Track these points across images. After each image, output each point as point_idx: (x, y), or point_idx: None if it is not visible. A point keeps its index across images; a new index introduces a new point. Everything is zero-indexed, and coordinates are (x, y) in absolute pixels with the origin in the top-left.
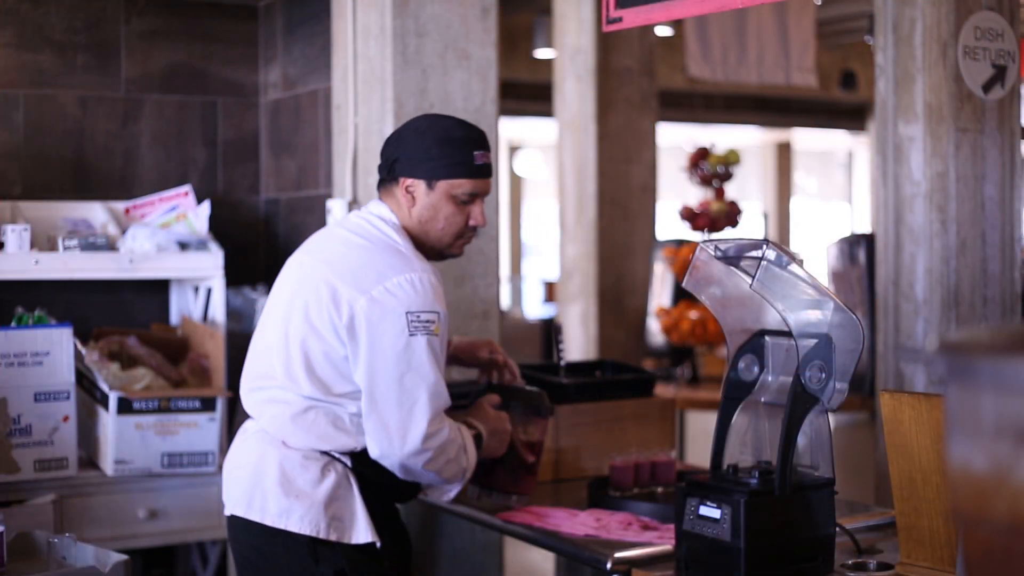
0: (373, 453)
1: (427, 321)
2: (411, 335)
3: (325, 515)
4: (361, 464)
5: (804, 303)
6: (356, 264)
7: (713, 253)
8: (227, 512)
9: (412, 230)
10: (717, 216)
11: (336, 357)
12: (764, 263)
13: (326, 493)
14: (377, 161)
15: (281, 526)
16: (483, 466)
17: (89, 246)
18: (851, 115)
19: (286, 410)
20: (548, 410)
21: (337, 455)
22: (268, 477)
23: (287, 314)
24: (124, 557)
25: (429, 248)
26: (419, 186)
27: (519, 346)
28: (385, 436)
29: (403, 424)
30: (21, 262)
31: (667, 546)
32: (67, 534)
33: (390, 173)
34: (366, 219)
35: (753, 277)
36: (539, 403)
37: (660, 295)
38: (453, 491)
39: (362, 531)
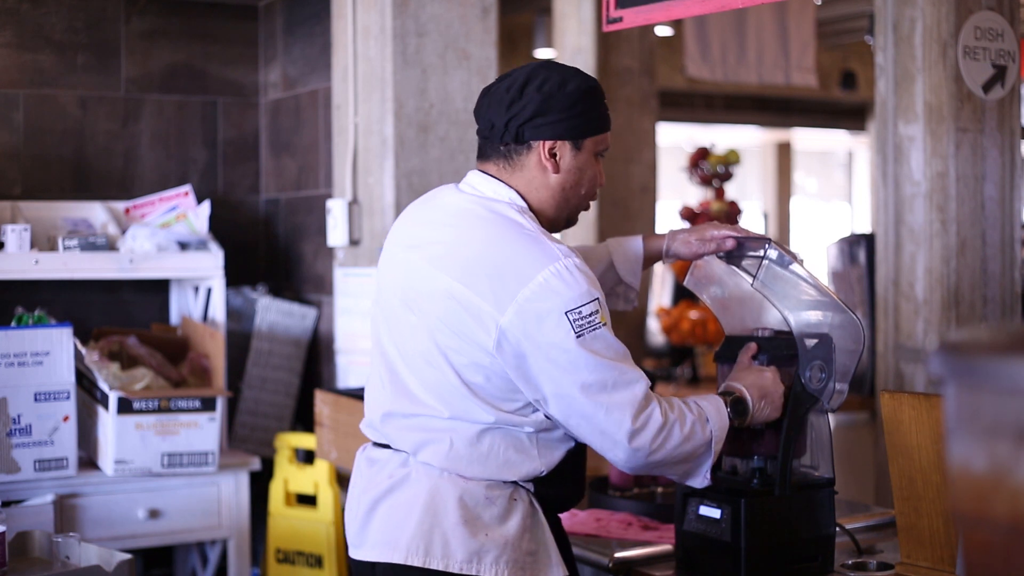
0: (607, 458)
1: (591, 314)
2: (578, 337)
3: (520, 552)
4: (546, 487)
5: (805, 303)
6: (488, 265)
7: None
8: (382, 559)
9: (547, 202)
10: (717, 216)
11: (494, 372)
12: (766, 262)
13: (517, 526)
14: (377, 160)
15: (473, 572)
16: (748, 432)
17: (89, 246)
18: (851, 115)
19: (455, 438)
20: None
21: (523, 483)
22: (448, 516)
23: (415, 331)
24: (128, 556)
25: (562, 218)
26: (565, 148)
27: None
28: (603, 444)
29: (608, 430)
30: (21, 262)
31: (667, 546)
32: (71, 534)
33: (518, 139)
34: (482, 203)
35: (755, 277)
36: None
37: (660, 295)
38: (704, 469)
39: (555, 563)
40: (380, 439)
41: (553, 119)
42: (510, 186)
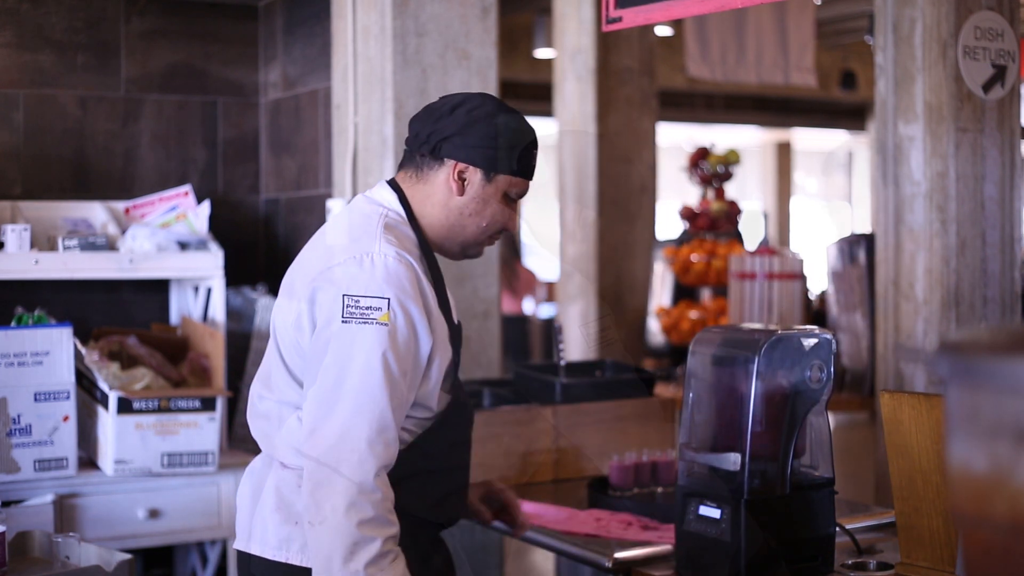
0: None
1: (366, 308)
2: (343, 321)
3: None
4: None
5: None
6: (317, 245)
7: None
8: (235, 547)
9: (440, 221)
10: (717, 216)
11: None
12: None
13: None
14: (377, 160)
15: (281, 559)
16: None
17: (89, 246)
18: (851, 115)
19: (271, 424)
20: None
21: None
22: (266, 504)
23: (275, 321)
24: (128, 556)
25: (454, 245)
26: (475, 175)
27: (519, 345)
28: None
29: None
30: (21, 262)
31: (667, 546)
32: (71, 533)
33: (434, 153)
34: (357, 202)
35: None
36: None
37: (660, 295)
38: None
39: None
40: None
41: (472, 143)
42: (403, 196)
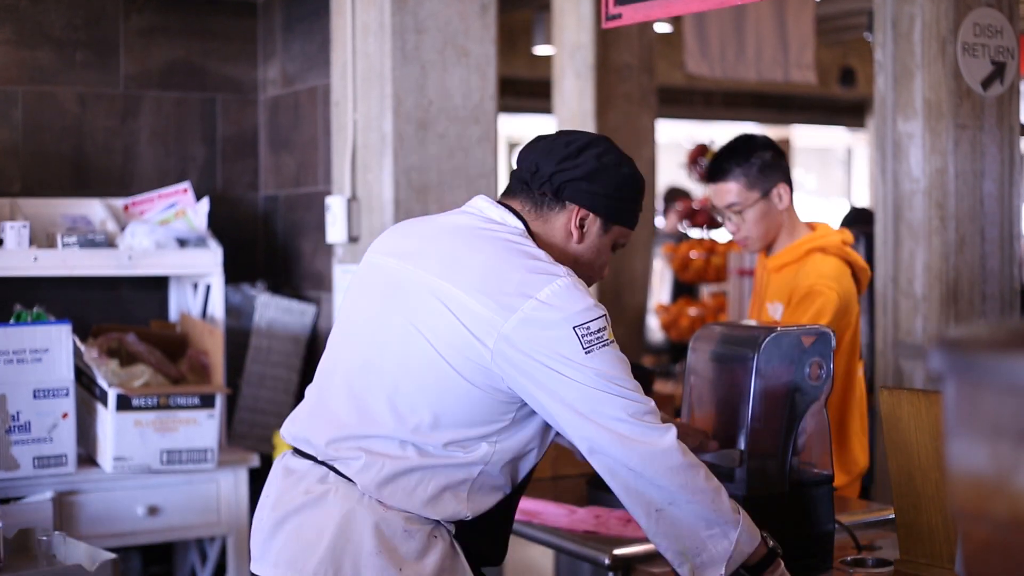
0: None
1: (599, 330)
2: (587, 352)
3: None
4: (468, 534)
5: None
6: (491, 274)
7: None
8: None
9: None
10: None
11: (466, 394)
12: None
13: (435, 565)
14: (376, 157)
15: None
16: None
17: (88, 243)
18: (850, 112)
19: (388, 464)
20: None
21: (444, 523)
22: (363, 544)
23: (386, 344)
24: (113, 556)
25: None
26: (595, 223)
27: None
28: (630, 445)
29: (630, 434)
30: (20, 259)
31: None
32: (56, 532)
33: (557, 194)
34: (485, 223)
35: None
36: None
37: (659, 292)
38: (718, 557)
39: None
40: (305, 448)
41: (598, 191)
42: (526, 224)
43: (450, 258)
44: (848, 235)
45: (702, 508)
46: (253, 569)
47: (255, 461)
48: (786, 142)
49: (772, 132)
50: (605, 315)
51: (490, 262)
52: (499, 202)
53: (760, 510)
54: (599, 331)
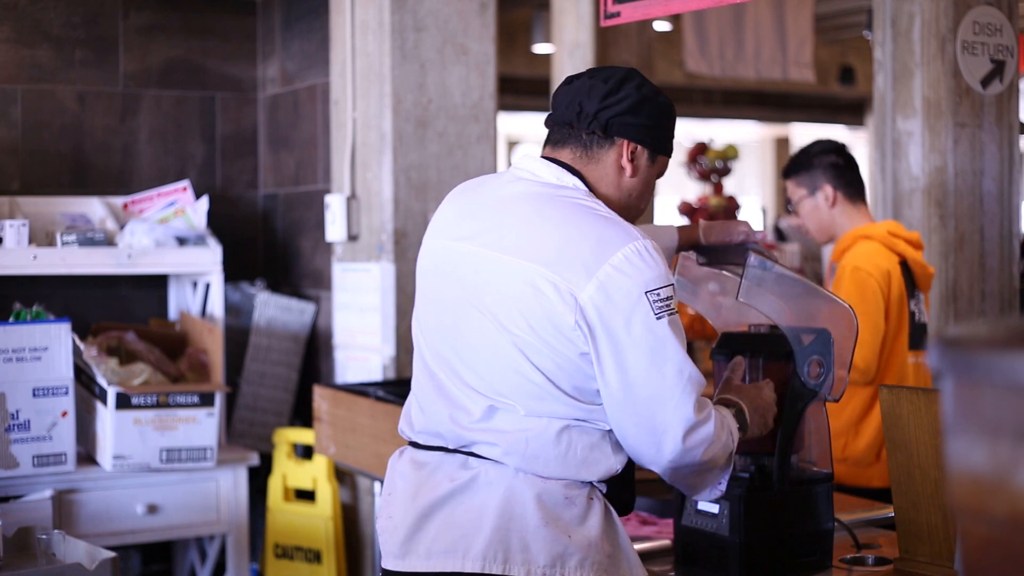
0: (642, 460)
1: (668, 299)
2: (658, 318)
3: (601, 554)
4: (616, 488)
5: (795, 299)
6: (562, 242)
7: (696, 260)
8: (447, 569)
9: (615, 203)
10: (715, 211)
11: (567, 359)
12: (749, 270)
13: (597, 527)
14: (375, 155)
15: None
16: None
17: (87, 241)
18: (849, 110)
19: (531, 437)
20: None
21: (596, 483)
22: (528, 518)
23: (480, 326)
24: (112, 554)
25: None
26: (643, 156)
27: None
28: (652, 440)
29: (668, 422)
30: (19, 257)
31: (665, 541)
32: (55, 530)
33: (606, 130)
34: (545, 187)
35: (739, 288)
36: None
37: None
38: (724, 481)
39: (635, 564)
40: (433, 442)
41: (644, 122)
42: (579, 174)
43: (521, 232)
44: (896, 226)
45: (713, 474)
46: (394, 567)
47: (254, 459)
48: (785, 140)
49: (771, 130)
50: (673, 284)
51: (561, 231)
52: (545, 157)
53: (760, 508)
54: (667, 299)
